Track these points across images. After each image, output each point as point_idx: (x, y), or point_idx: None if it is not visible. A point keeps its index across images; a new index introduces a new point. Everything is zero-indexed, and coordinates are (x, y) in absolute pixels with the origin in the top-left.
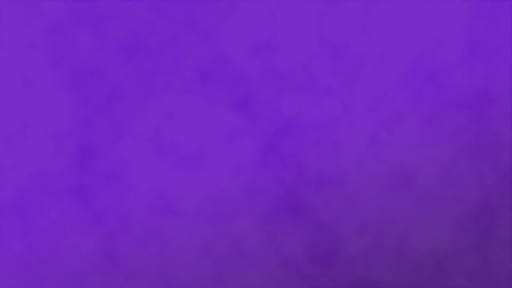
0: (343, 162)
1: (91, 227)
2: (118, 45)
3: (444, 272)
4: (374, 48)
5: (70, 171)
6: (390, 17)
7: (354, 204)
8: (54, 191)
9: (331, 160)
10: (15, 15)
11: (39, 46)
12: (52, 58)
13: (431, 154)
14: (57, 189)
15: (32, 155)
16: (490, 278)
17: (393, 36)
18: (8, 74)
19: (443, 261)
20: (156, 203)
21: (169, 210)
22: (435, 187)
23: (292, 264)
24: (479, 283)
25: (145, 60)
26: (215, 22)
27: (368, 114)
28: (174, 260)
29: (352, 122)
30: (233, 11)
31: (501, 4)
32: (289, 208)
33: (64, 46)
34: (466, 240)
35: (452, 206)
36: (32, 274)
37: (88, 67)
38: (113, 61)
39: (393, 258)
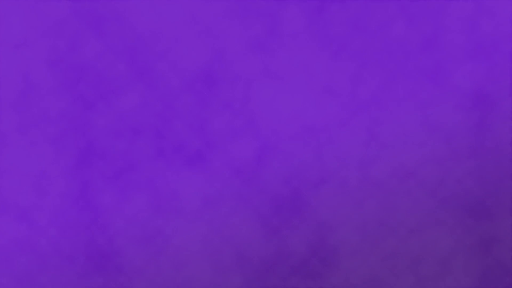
0: (343, 162)
1: (91, 227)
2: (118, 45)
3: (444, 272)
4: (374, 48)
5: (70, 171)
6: (390, 17)
7: (354, 204)
8: (54, 191)
9: (331, 160)
10: (15, 15)
11: (39, 46)
12: (52, 58)
13: (431, 154)
14: (57, 189)
15: (32, 155)
16: (490, 278)
17: (393, 36)
18: (8, 74)
19: (443, 261)
20: (156, 203)
21: (169, 210)
22: (435, 187)
23: (292, 264)
24: (479, 283)
25: (145, 60)
26: (215, 21)
27: (368, 114)
28: (174, 260)
29: (352, 122)
30: (233, 11)
31: (501, 4)
32: (289, 208)
33: (64, 46)
34: (466, 240)
35: (452, 206)
36: (32, 274)
37: (88, 67)
38: (113, 61)
39: (393, 258)
